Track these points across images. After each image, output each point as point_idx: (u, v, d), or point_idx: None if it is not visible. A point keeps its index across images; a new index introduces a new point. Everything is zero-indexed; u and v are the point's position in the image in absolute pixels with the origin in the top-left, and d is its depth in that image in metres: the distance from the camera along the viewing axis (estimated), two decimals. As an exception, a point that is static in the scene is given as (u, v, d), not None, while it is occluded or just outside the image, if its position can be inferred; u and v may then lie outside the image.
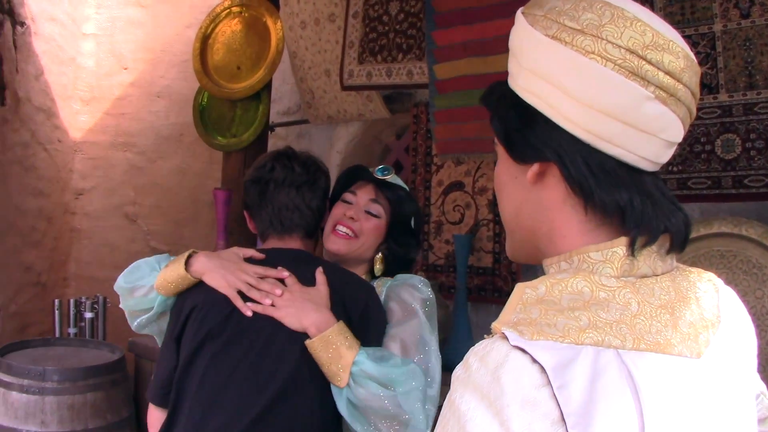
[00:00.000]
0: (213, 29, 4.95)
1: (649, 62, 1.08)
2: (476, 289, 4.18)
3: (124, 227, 5.92)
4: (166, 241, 5.91)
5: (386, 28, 4.42)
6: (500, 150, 1.26)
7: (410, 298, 2.32)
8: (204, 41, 4.93)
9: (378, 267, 2.48)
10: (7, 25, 4.83)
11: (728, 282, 3.16)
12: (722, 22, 3.26)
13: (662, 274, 1.14)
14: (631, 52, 1.08)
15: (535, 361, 0.97)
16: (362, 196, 2.45)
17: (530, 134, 1.16)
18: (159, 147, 5.90)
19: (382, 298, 2.35)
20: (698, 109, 3.22)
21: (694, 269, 1.25)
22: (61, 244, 5.66)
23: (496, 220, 4.12)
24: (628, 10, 1.11)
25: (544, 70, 1.13)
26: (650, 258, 1.12)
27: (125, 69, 5.89)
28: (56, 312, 4.85)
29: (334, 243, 2.40)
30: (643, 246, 1.11)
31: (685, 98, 1.12)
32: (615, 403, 0.97)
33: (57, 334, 4.80)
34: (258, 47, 4.76)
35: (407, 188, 2.56)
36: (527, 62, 1.17)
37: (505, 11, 3.71)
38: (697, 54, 3.29)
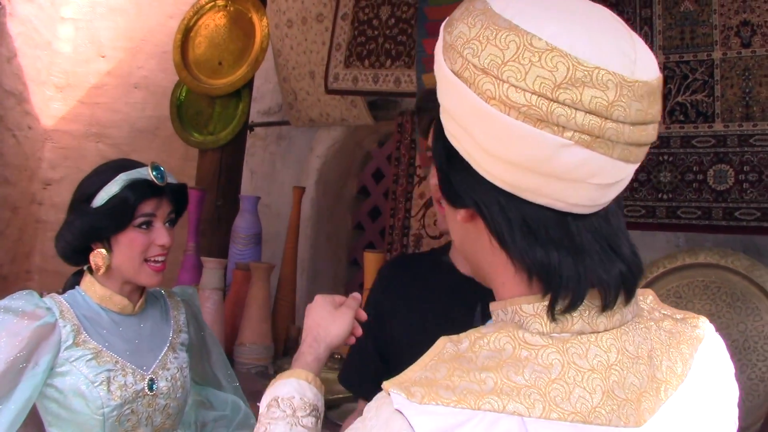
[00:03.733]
0: (196, 21, 4.84)
1: (563, 104, 0.90)
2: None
3: (92, 220, 5.74)
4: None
5: (376, 32, 4.29)
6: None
7: None
8: (186, 33, 4.82)
9: None
10: (-21, 5, 4.68)
11: (711, 314, 3.13)
12: (722, 50, 3.16)
13: (605, 330, 1.01)
14: (539, 95, 0.90)
15: (411, 426, 0.89)
16: (161, 216, 2.21)
17: (454, 178, 1.05)
18: (133, 140, 5.74)
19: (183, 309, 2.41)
20: (692, 137, 3.18)
21: (674, 315, 1.15)
22: (25, 235, 5.50)
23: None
24: (541, 37, 0.92)
25: (455, 111, 0.99)
26: (587, 313, 1.00)
27: (103, 57, 5.73)
28: (14, 305, 4.66)
29: (156, 277, 2.21)
30: (568, 306, 0.98)
31: (619, 136, 0.93)
32: None
33: (14, 328, 4.62)
34: (242, 43, 4.65)
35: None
36: (441, 97, 1.03)
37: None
38: (694, 81, 3.20)
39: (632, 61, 0.94)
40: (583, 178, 0.95)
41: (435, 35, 3.79)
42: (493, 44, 0.92)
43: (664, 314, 1.14)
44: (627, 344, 1.01)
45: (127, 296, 2.23)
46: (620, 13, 3.45)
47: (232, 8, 4.68)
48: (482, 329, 1.02)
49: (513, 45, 0.91)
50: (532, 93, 0.90)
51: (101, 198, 2.11)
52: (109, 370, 2.10)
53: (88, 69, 5.70)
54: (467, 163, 1.00)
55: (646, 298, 1.16)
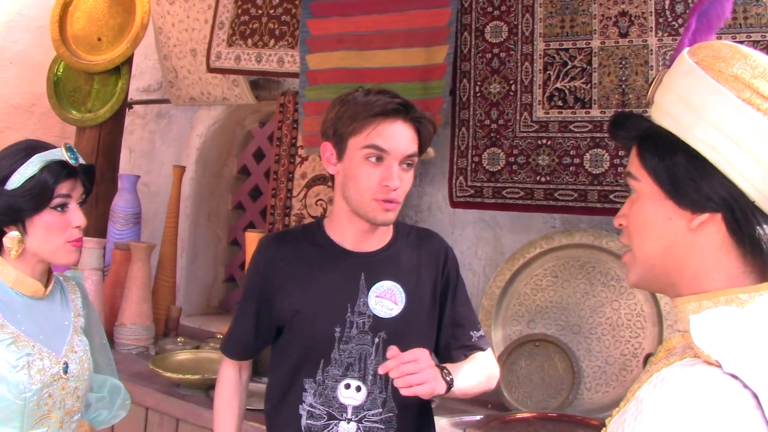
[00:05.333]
0: (75, -5, 4.71)
1: None
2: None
3: (-38, 199, 5.53)
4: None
5: (260, 11, 4.26)
6: (650, 189, 1.30)
7: None
8: (64, 8, 4.70)
9: None
10: None
11: (586, 293, 3.26)
12: (600, 39, 3.26)
13: None
14: None
15: (746, 386, 1.04)
16: (75, 197, 2.17)
17: (705, 185, 1.22)
18: (7, 116, 5.55)
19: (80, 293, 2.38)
20: (570, 123, 3.27)
21: None
22: None
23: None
24: None
25: (731, 129, 1.19)
26: None
27: (-25, 30, 5.52)
28: None
29: (75, 253, 2.19)
30: None
31: None
32: None
33: None
34: (122, 19, 4.56)
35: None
36: (711, 117, 1.21)
37: (381, 7, 3.65)
38: (573, 68, 3.29)
39: None
40: None
41: (319, 16, 3.80)
42: None
43: None
44: None
45: (38, 279, 2.17)
46: (503, 1, 3.51)
47: (111, -18, 4.58)
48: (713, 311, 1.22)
49: None
50: None
51: (16, 180, 2.04)
52: (28, 354, 2.05)
53: (-41, 42, 5.50)
54: (718, 171, 1.19)
55: None
